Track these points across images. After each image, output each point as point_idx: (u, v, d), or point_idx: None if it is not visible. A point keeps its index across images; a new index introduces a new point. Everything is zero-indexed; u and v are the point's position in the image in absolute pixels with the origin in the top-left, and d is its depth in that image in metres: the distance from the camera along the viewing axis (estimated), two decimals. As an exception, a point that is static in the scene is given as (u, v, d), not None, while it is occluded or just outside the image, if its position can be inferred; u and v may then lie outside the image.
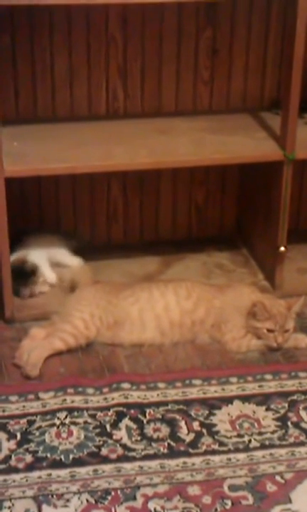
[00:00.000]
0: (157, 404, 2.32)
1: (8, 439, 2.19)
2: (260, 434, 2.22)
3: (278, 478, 2.07)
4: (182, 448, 2.17)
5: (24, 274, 2.75)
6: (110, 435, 2.21)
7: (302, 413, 2.30)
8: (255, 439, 2.19)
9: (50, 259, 2.86)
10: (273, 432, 2.22)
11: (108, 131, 2.80)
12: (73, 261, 2.88)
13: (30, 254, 2.80)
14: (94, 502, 1.99)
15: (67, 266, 2.86)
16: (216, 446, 2.17)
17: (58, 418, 2.26)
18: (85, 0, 2.54)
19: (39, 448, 2.16)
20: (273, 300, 2.61)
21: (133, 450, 2.15)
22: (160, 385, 2.40)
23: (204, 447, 2.17)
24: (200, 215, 3.18)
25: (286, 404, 2.33)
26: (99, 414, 2.28)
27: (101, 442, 2.18)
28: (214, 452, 2.15)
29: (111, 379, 2.41)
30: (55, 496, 2.00)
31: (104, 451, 2.15)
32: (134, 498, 2.00)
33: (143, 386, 2.39)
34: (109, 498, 2.00)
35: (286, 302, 2.58)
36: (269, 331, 2.53)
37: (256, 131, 2.81)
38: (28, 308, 2.72)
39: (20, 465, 2.10)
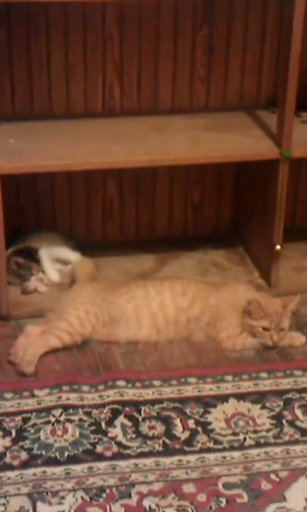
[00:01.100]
0: (152, 402, 2.32)
1: (3, 437, 2.19)
2: (255, 432, 2.22)
3: (273, 476, 2.07)
4: (177, 446, 2.16)
5: (26, 256, 2.77)
6: (105, 433, 2.20)
7: (297, 411, 2.30)
8: (250, 437, 2.19)
9: (51, 257, 2.86)
10: (268, 430, 2.22)
11: (104, 129, 2.80)
12: (74, 256, 2.88)
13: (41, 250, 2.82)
14: (89, 499, 1.98)
15: (69, 261, 2.86)
16: (211, 444, 2.17)
17: (53, 415, 2.26)
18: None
19: (34, 445, 2.16)
20: (269, 298, 2.61)
21: (128, 448, 2.15)
22: (156, 382, 2.40)
23: (199, 445, 2.17)
24: (196, 213, 3.18)
25: (281, 403, 2.33)
26: (94, 411, 2.28)
27: (96, 440, 2.18)
28: (209, 450, 2.15)
29: (107, 376, 2.41)
30: (49, 494, 2.00)
31: (99, 449, 2.15)
32: (129, 496, 1.99)
33: (138, 384, 2.39)
34: (104, 495, 2.00)
35: (281, 300, 2.58)
36: (265, 329, 2.53)
37: (252, 130, 2.81)
38: (23, 306, 2.72)
39: (15, 462, 2.10)
